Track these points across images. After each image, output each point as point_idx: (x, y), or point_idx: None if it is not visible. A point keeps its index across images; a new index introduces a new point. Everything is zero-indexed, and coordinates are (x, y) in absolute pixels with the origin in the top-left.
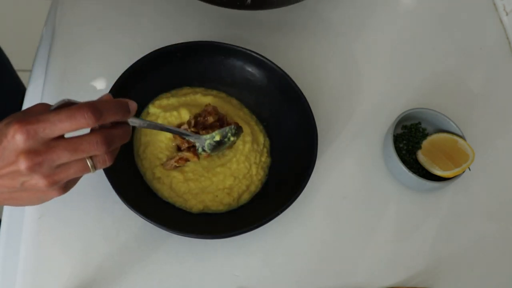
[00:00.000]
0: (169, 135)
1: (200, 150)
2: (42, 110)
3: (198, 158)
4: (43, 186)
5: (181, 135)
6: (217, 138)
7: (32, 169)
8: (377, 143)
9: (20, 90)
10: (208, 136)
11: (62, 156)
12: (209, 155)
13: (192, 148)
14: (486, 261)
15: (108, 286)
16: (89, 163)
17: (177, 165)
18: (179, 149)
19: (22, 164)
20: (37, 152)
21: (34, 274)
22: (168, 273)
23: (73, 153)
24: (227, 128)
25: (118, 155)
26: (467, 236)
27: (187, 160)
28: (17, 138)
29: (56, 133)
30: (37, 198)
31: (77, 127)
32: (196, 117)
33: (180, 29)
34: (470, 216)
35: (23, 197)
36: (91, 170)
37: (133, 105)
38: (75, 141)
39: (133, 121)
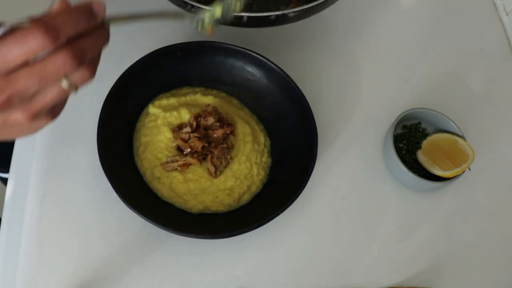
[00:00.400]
0: (169, 135)
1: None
2: None
3: (201, 163)
4: (25, 121)
5: (174, 18)
6: (218, 13)
7: (2, 107)
8: (377, 143)
9: None
10: (206, 14)
11: (28, 85)
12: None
13: (195, 153)
14: (486, 261)
15: (108, 286)
16: (64, 84)
17: (180, 169)
18: (179, 149)
19: None
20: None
21: (34, 274)
22: (168, 273)
23: (40, 80)
24: None
25: (118, 155)
26: (467, 236)
27: (190, 165)
28: None
29: (11, 64)
30: (28, 130)
31: (32, 53)
32: (196, 117)
33: (180, 29)
34: (470, 216)
35: (12, 131)
36: (72, 91)
37: (99, 7)
38: (38, 66)
39: (107, 19)
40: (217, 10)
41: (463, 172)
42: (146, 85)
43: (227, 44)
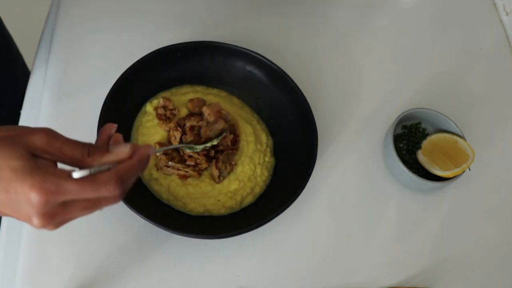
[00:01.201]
0: (165, 136)
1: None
2: (60, 174)
3: (200, 176)
4: (39, 226)
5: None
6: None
7: (44, 226)
8: (377, 143)
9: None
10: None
11: (77, 215)
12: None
13: (196, 167)
14: (486, 261)
15: (108, 286)
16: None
17: (178, 176)
18: (176, 150)
19: (36, 222)
20: (53, 215)
21: (34, 274)
22: (168, 273)
23: (89, 211)
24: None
25: None
26: (467, 236)
27: (189, 177)
28: (33, 198)
29: (75, 198)
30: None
31: (99, 198)
32: (194, 128)
33: (180, 29)
34: (470, 216)
35: (20, 218)
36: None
37: (150, 150)
38: (93, 201)
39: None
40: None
41: (463, 172)
42: (146, 85)
43: (227, 44)
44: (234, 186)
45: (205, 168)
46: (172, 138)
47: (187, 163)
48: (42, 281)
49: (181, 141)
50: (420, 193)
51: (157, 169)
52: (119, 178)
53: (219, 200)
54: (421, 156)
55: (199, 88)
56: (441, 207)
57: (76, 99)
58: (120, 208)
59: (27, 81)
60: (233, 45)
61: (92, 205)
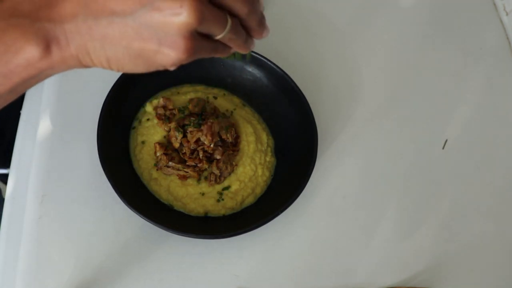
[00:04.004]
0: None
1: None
2: None
3: (199, 179)
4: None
5: None
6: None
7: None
8: (377, 142)
9: None
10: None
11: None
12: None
13: (196, 167)
14: (486, 261)
15: (108, 286)
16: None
17: (177, 177)
18: (176, 150)
19: (185, 18)
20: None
21: (34, 274)
22: (168, 273)
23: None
24: None
25: (118, 155)
26: (467, 236)
27: (188, 177)
28: None
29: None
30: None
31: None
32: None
33: None
34: (470, 216)
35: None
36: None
37: None
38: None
39: None
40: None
41: None
42: (146, 85)
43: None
44: (234, 186)
45: (205, 169)
46: (173, 139)
47: (187, 163)
48: (42, 281)
49: (181, 144)
50: (420, 193)
51: (157, 169)
52: None
53: (219, 201)
54: None
55: (200, 87)
56: (441, 207)
57: (76, 99)
58: (120, 208)
59: None
60: None
61: None
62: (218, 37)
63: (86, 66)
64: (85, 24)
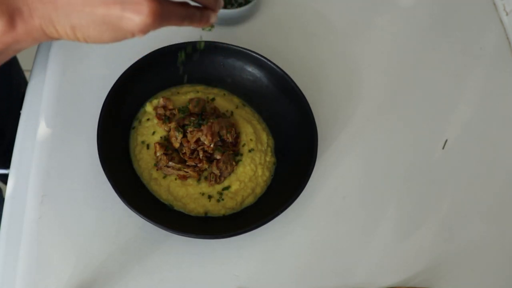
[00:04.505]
0: (164, 134)
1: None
2: None
3: (199, 179)
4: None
5: None
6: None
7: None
8: (377, 142)
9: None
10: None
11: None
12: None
13: (196, 167)
14: (486, 261)
15: (108, 286)
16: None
17: (177, 177)
18: (176, 150)
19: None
20: None
21: (34, 274)
22: (168, 273)
23: None
24: None
25: (118, 155)
26: (467, 236)
27: (188, 177)
28: None
29: None
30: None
31: None
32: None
33: (180, 29)
34: (470, 216)
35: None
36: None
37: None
38: None
39: None
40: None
41: None
42: (146, 85)
43: (227, 44)
44: (234, 186)
45: (205, 169)
46: (173, 139)
47: (187, 163)
48: (42, 281)
49: (181, 144)
50: (420, 192)
51: (157, 169)
52: None
53: (219, 201)
54: None
55: (200, 87)
56: (441, 207)
57: (76, 100)
58: (120, 208)
59: (21, 78)
60: (233, 45)
61: None
62: None
63: (51, 38)
64: None
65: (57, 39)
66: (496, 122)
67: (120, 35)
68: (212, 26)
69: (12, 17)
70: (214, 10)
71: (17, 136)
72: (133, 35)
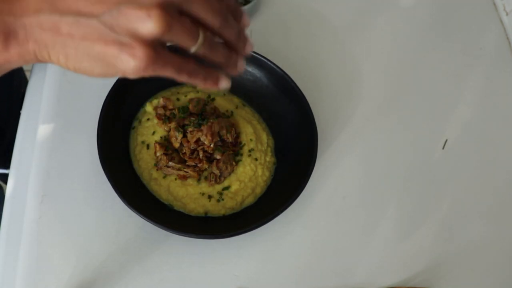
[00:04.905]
0: (164, 134)
1: None
2: None
3: (199, 179)
4: (143, 53)
5: None
6: None
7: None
8: (377, 142)
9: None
10: None
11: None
12: None
13: (196, 167)
14: (486, 261)
15: (108, 286)
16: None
17: (177, 177)
18: (176, 150)
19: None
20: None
21: (34, 274)
22: (168, 273)
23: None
24: None
25: (118, 155)
26: (467, 236)
27: (188, 177)
28: None
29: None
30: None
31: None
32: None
33: None
34: (470, 216)
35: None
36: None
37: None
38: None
39: None
40: None
41: None
42: (146, 85)
43: None
44: (234, 186)
45: (205, 169)
46: (173, 139)
47: (187, 163)
48: (42, 281)
49: (181, 144)
50: (420, 192)
51: (157, 169)
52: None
53: (219, 201)
54: None
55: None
56: (441, 207)
57: (76, 99)
58: (120, 208)
59: (21, 79)
60: None
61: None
62: (192, 50)
63: (41, 61)
64: (49, 20)
65: (46, 62)
66: (496, 122)
67: (111, 72)
68: (224, 90)
69: (8, 38)
70: (237, 52)
71: (17, 136)
72: (124, 74)
